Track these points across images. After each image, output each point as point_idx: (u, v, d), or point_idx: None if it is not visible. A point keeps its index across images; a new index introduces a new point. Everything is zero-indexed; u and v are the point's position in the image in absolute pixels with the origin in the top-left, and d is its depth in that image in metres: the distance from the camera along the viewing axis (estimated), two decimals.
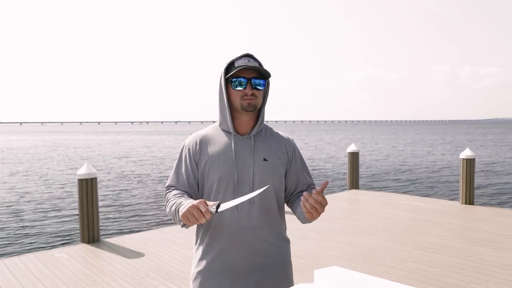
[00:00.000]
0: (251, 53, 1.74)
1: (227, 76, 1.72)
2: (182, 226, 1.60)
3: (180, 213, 1.50)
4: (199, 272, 1.72)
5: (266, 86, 1.76)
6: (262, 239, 1.70)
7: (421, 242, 5.47)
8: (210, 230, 1.72)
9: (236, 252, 1.68)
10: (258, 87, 1.70)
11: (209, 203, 1.49)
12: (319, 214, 1.52)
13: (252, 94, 1.68)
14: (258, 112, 1.79)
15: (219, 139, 1.75)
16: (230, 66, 1.73)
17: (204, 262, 1.71)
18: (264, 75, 1.72)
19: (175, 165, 1.80)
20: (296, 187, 1.82)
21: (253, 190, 1.68)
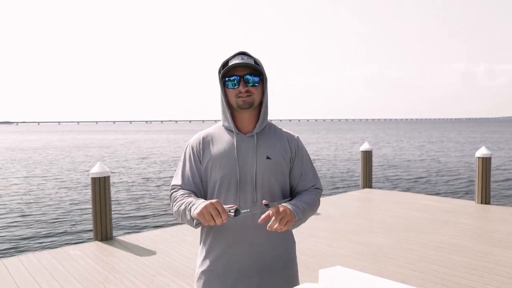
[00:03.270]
0: (245, 51, 1.72)
1: (221, 76, 1.71)
2: (195, 225, 1.59)
3: (196, 211, 1.49)
4: (202, 272, 1.72)
5: (264, 81, 1.74)
6: (266, 238, 1.70)
7: (434, 242, 5.39)
8: (213, 230, 1.71)
9: (239, 251, 1.67)
10: (252, 84, 1.68)
11: (226, 206, 1.49)
12: (285, 227, 1.51)
13: (247, 91, 1.66)
14: (259, 109, 1.77)
15: (222, 138, 1.74)
16: (225, 66, 1.72)
17: (207, 262, 1.71)
18: (259, 71, 1.70)
19: (180, 164, 1.80)
20: (298, 186, 1.80)
21: (255, 189, 1.68)
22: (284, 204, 1.58)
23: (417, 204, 7.76)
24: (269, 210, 1.50)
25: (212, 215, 1.44)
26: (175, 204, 1.68)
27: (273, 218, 1.48)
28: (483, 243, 5.30)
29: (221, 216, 1.44)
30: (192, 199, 1.61)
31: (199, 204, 1.51)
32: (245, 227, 1.66)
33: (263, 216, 1.50)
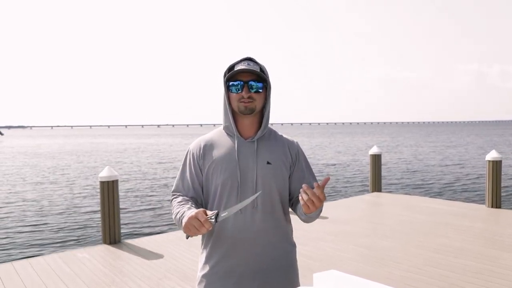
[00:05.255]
0: (252, 57, 1.74)
1: (225, 80, 1.73)
2: (186, 238, 1.62)
3: (182, 226, 1.52)
4: (203, 276, 1.73)
5: (268, 89, 1.76)
6: (266, 242, 1.71)
7: (443, 246, 5.34)
8: (214, 234, 1.73)
9: (240, 255, 1.69)
10: (256, 90, 1.69)
11: (209, 212, 1.50)
12: (315, 208, 1.49)
13: (249, 97, 1.67)
14: (262, 115, 1.79)
15: (223, 143, 1.76)
16: (231, 70, 1.74)
17: (208, 266, 1.73)
18: (263, 78, 1.72)
19: (180, 170, 1.82)
20: (299, 190, 1.81)
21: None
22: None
23: (426, 208, 7.69)
24: (319, 183, 1.50)
25: (195, 227, 1.46)
26: (172, 213, 1.71)
27: (317, 190, 1.47)
28: (493, 247, 5.24)
29: (204, 225, 1.45)
30: (184, 209, 1.62)
31: (186, 217, 1.52)
32: (245, 230, 1.68)
33: (322, 182, 1.49)
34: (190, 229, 1.48)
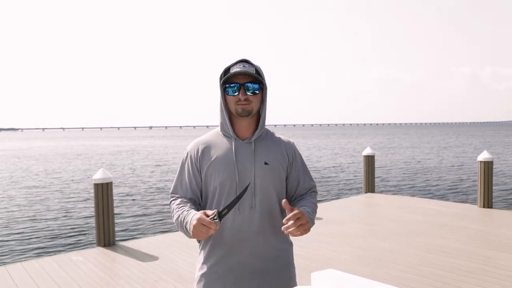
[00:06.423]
0: (247, 59, 1.75)
1: (221, 82, 1.74)
2: (198, 242, 1.65)
3: (191, 233, 1.55)
4: (202, 275, 1.75)
5: (264, 90, 1.77)
6: (264, 242, 1.73)
7: (436, 246, 5.39)
8: (212, 234, 1.74)
9: (238, 255, 1.70)
10: (252, 92, 1.71)
11: (208, 212, 1.52)
12: (300, 234, 1.57)
13: (246, 99, 1.69)
14: (258, 116, 1.81)
15: (220, 144, 1.77)
16: (226, 72, 1.75)
17: (207, 265, 1.74)
18: (259, 80, 1.73)
19: (178, 171, 1.83)
20: (296, 190, 1.84)
21: (254, 194, 1.71)
22: (302, 211, 1.62)
23: (419, 208, 7.75)
24: (292, 214, 1.54)
25: (204, 233, 1.49)
26: (173, 216, 1.72)
27: (292, 222, 1.54)
28: (485, 247, 5.30)
29: (211, 228, 1.48)
30: (185, 213, 1.64)
31: (190, 224, 1.55)
32: (243, 230, 1.70)
33: (286, 219, 1.54)
34: (200, 235, 1.51)
